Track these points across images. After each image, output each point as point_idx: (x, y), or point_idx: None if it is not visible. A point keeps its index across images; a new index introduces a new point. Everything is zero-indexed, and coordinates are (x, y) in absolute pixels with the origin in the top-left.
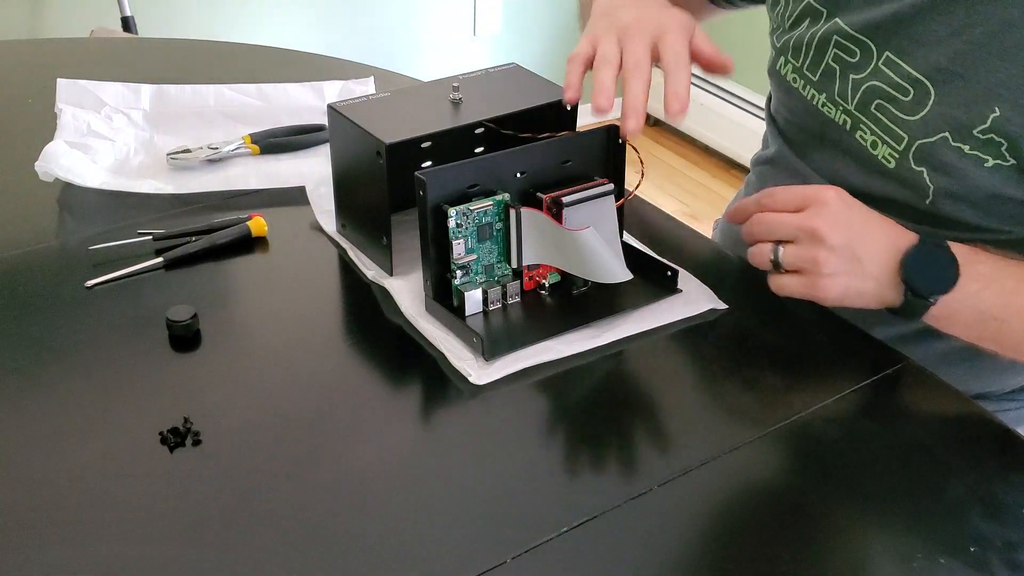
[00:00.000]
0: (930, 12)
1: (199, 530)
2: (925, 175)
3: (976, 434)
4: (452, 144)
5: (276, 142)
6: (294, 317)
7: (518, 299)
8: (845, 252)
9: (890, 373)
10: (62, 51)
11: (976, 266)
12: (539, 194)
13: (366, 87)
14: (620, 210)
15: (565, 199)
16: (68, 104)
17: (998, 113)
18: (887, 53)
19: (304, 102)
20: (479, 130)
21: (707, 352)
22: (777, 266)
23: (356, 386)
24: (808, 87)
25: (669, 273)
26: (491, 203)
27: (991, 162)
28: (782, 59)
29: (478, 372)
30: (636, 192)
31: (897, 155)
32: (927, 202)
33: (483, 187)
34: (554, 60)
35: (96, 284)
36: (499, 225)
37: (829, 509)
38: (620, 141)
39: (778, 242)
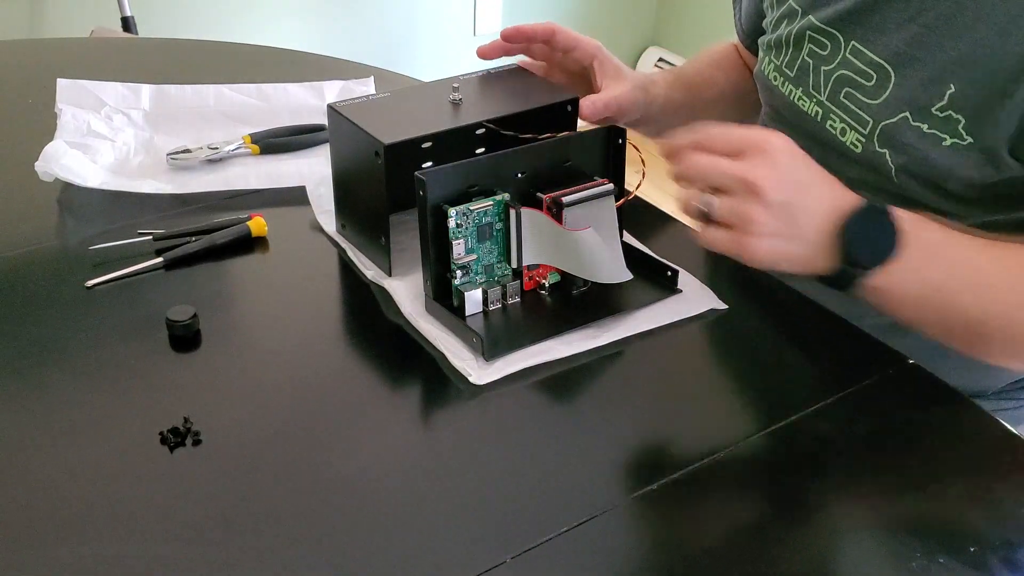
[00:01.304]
0: (889, 1)
1: (199, 530)
2: (888, 156)
3: (976, 434)
4: (452, 144)
5: (276, 142)
6: (294, 317)
7: (518, 299)
8: (783, 212)
9: (890, 373)
10: (62, 51)
11: (921, 234)
12: (539, 194)
13: (366, 87)
14: (620, 210)
15: (565, 199)
16: (68, 104)
17: (953, 90)
18: (853, 42)
19: (304, 102)
20: (479, 131)
21: (707, 352)
22: (706, 218)
23: (356, 386)
24: (787, 83)
25: (669, 273)
26: (491, 203)
27: (949, 141)
28: (765, 59)
29: (478, 372)
30: (636, 192)
31: (863, 139)
32: (895, 182)
33: (483, 187)
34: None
35: (96, 284)
36: (499, 225)
37: (828, 509)
38: (620, 141)
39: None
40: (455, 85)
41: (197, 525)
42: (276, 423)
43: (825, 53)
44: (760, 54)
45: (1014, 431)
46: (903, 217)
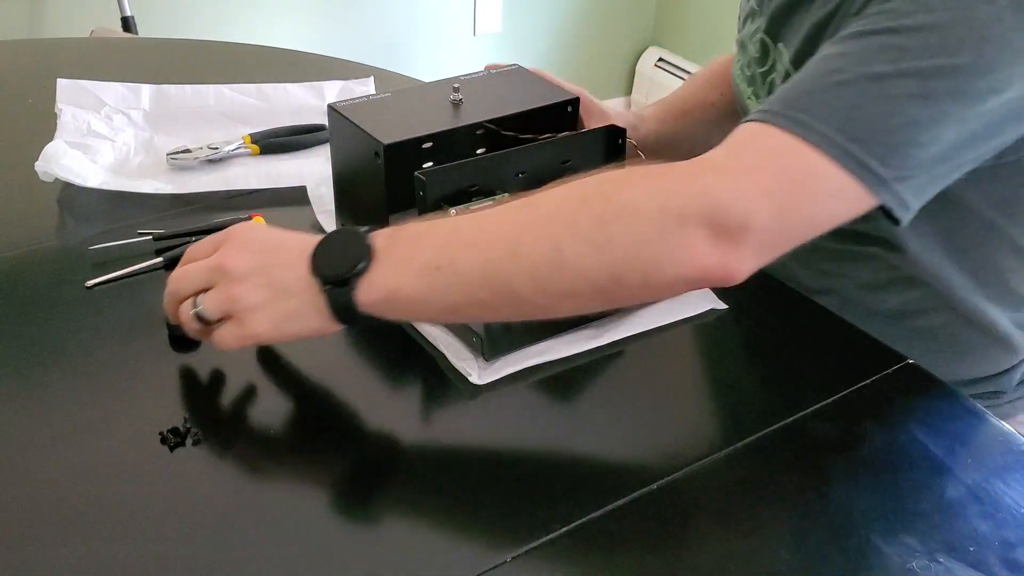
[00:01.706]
0: (797, 4)
1: (199, 530)
2: None
3: (976, 434)
4: (452, 144)
5: (276, 142)
6: None
7: None
8: (260, 277)
9: (890, 373)
10: (62, 51)
11: (400, 233)
12: None
13: (366, 87)
14: None
15: None
16: (68, 104)
17: None
18: (779, 44)
19: (304, 102)
20: (479, 131)
21: (707, 352)
22: (205, 320)
23: (356, 386)
24: (743, 83)
25: None
26: (491, 203)
27: None
28: (736, 59)
29: (478, 372)
30: None
31: None
32: None
33: (483, 187)
34: (554, 60)
35: (96, 284)
36: None
37: (829, 509)
38: (620, 141)
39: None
40: (455, 85)
41: (197, 525)
42: (276, 423)
43: (760, 55)
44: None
45: (1013, 430)
46: (380, 233)
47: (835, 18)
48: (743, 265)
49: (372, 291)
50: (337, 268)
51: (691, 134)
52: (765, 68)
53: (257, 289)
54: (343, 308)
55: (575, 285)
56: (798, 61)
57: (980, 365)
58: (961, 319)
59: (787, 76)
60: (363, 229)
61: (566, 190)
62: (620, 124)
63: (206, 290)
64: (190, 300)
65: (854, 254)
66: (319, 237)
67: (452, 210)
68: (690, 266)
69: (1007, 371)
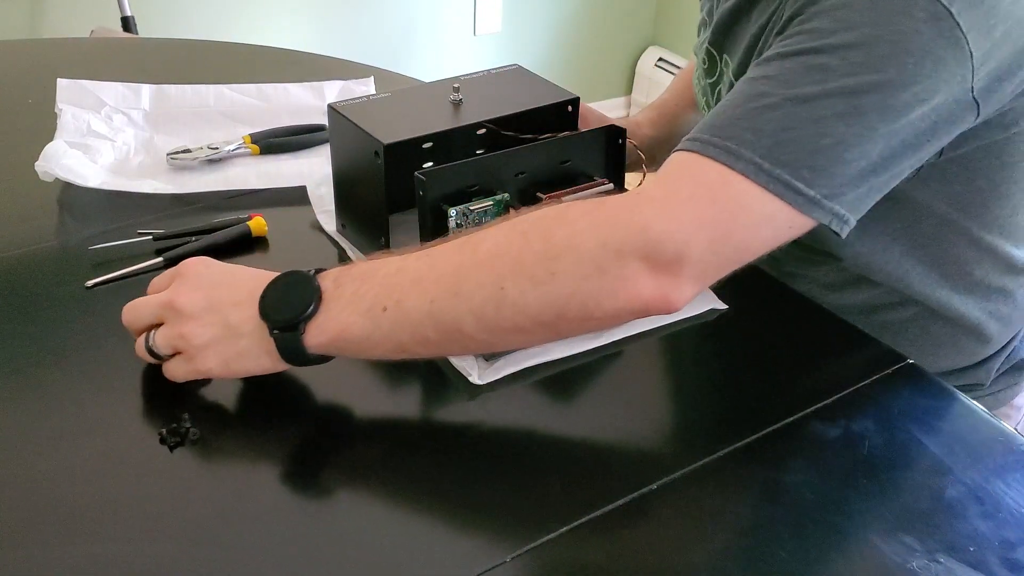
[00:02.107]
0: (738, 14)
1: (199, 530)
2: None
3: (976, 434)
4: (452, 144)
5: (276, 142)
6: None
7: None
8: (209, 316)
9: (890, 373)
10: (62, 51)
11: (346, 273)
12: (539, 194)
13: (366, 87)
14: None
15: (565, 199)
16: (68, 104)
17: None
18: (725, 56)
19: (304, 102)
20: (480, 131)
21: (707, 352)
22: (156, 355)
23: (356, 386)
24: (699, 93)
25: None
26: (491, 203)
27: None
28: (695, 70)
29: (478, 372)
30: None
31: None
32: None
33: (483, 187)
34: (555, 60)
35: (96, 284)
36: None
37: (828, 509)
38: (620, 141)
39: (152, 329)
40: (455, 85)
41: (197, 525)
42: (276, 423)
43: (707, 66)
44: None
45: (1013, 431)
46: (328, 275)
47: (764, 31)
48: (681, 295)
49: (320, 334)
50: (285, 313)
51: (683, 134)
52: (713, 79)
53: (207, 328)
54: (292, 351)
55: (518, 321)
56: (740, 73)
57: (954, 357)
58: (928, 312)
59: (731, 88)
60: (310, 271)
61: (509, 227)
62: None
63: (159, 324)
64: (144, 335)
65: (811, 259)
66: (270, 275)
67: (452, 210)
68: (629, 299)
69: (982, 362)
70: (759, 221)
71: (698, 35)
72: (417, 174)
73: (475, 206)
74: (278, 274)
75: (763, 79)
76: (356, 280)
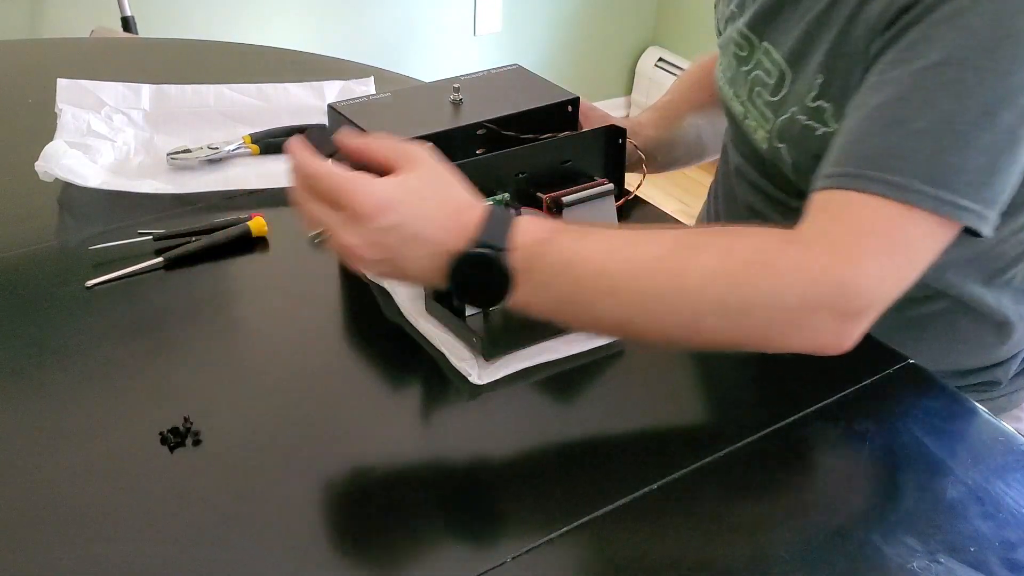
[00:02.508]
0: (788, 2)
1: (199, 530)
2: (783, 151)
3: (976, 434)
4: (452, 145)
5: (276, 142)
6: (294, 317)
7: None
8: (383, 265)
9: (890, 373)
10: (62, 51)
11: (541, 258)
12: (539, 194)
13: (366, 87)
14: (620, 210)
15: (565, 199)
16: (68, 104)
17: (821, 79)
18: (764, 43)
19: (304, 102)
20: (480, 131)
21: (707, 352)
22: (316, 243)
23: (356, 386)
24: (725, 85)
25: None
26: (491, 203)
27: (820, 130)
28: (718, 63)
29: (478, 372)
30: (636, 192)
31: (768, 135)
32: (794, 177)
33: (483, 187)
34: (555, 59)
35: (96, 284)
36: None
37: (829, 509)
38: (620, 141)
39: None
40: (455, 85)
41: (197, 525)
42: (276, 423)
43: (744, 54)
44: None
45: (1014, 431)
46: (521, 253)
47: (832, 15)
48: (857, 337)
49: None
50: (475, 301)
51: (684, 136)
52: (748, 66)
53: (380, 267)
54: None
55: (703, 346)
56: (794, 60)
57: (976, 355)
58: (959, 306)
59: (782, 75)
60: (502, 260)
61: (718, 260)
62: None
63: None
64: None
65: None
66: (451, 241)
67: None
68: (810, 345)
69: (1003, 362)
70: (932, 246)
71: (722, 29)
72: None
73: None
74: (466, 251)
75: (898, 101)
76: (554, 266)
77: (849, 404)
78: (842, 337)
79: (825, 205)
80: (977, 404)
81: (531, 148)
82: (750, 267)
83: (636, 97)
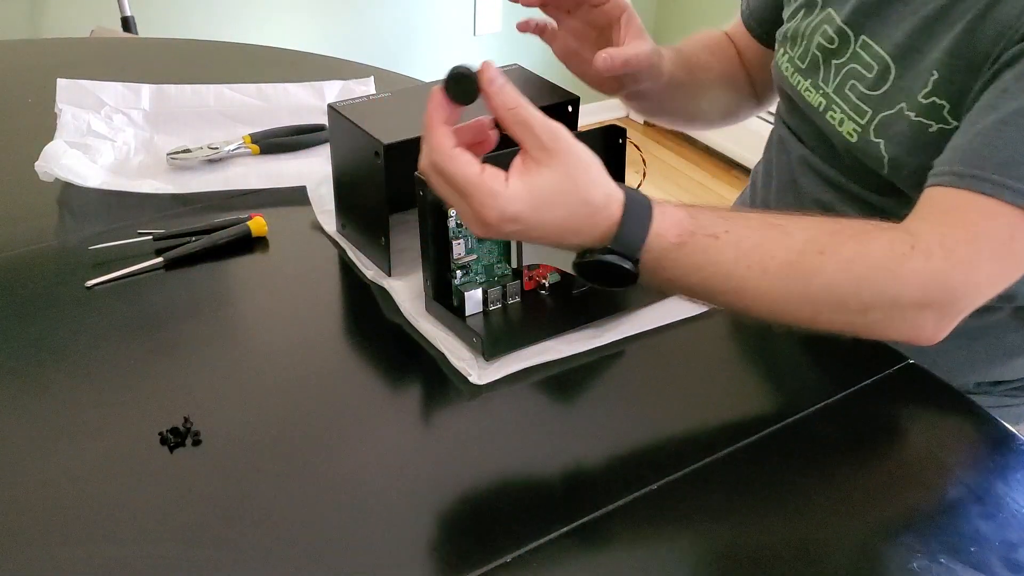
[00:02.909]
0: None
1: (199, 530)
2: (882, 146)
3: (976, 434)
4: None
5: (276, 142)
6: (294, 317)
7: (518, 299)
8: (519, 236)
9: (890, 373)
10: (62, 51)
11: (677, 254)
12: None
13: (366, 87)
14: None
15: None
16: (68, 104)
17: (936, 76)
18: (863, 36)
19: (304, 102)
20: None
21: (707, 352)
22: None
23: (356, 386)
24: (796, 74)
25: None
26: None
27: (935, 127)
28: (780, 51)
29: (478, 372)
30: None
31: (859, 129)
32: (884, 173)
33: None
34: (555, 60)
35: (96, 284)
36: None
37: (829, 509)
38: (620, 141)
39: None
40: None
41: (197, 525)
42: (276, 423)
43: (834, 47)
44: (776, 46)
45: (1014, 430)
46: (657, 246)
47: (953, 13)
48: (949, 331)
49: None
50: (601, 286)
51: (689, 91)
52: (841, 60)
53: (508, 238)
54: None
55: (808, 328)
56: (902, 55)
57: (1019, 369)
58: (1016, 318)
59: (885, 70)
60: (634, 258)
61: (845, 270)
62: (652, 48)
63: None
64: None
65: None
66: (586, 241)
67: (452, 210)
68: (909, 337)
69: None
70: None
71: (791, 17)
72: (417, 174)
73: None
74: (596, 256)
75: None
76: (680, 271)
77: (849, 404)
78: (940, 332)
79: (947, 205)
80: (974, 402)
81: None
82: (874, 273)
83: None
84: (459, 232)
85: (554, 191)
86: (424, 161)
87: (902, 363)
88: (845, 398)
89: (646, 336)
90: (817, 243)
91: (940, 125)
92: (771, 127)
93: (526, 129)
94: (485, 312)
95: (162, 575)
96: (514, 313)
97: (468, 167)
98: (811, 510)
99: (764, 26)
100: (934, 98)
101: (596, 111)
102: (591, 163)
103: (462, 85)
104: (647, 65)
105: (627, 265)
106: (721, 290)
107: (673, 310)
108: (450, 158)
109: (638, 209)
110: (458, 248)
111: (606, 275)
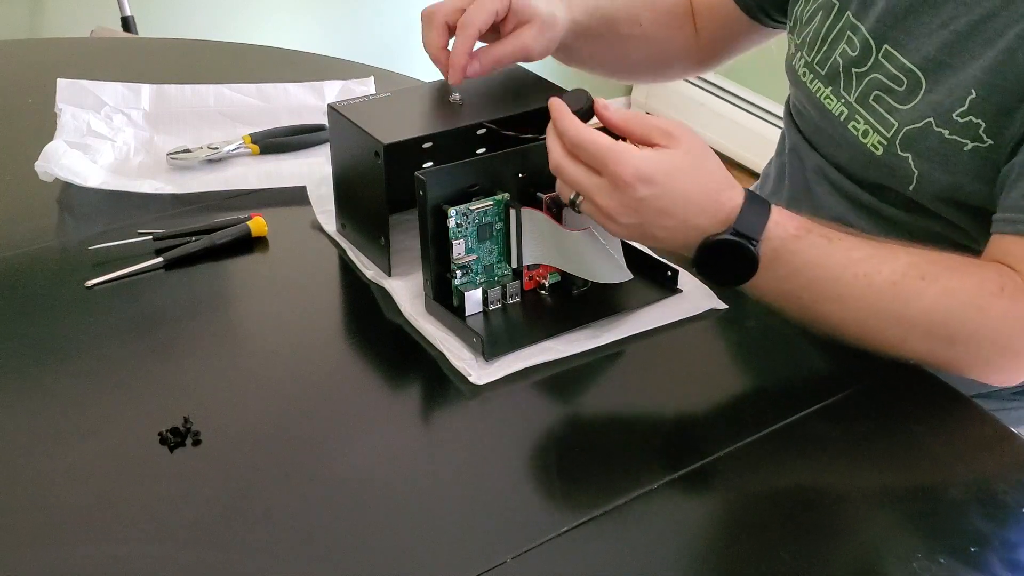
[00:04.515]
0: (922, 6)
1: (199, 530)
2: (910, 160)
3: (976, 434)
4: (452, 145)
5: (276, 142)
6: (294, 317)
7: (518, 299)
8: (635, 231)
9: (890, 373)
10: (62, 51)
11: (789, 254)
12: (539, 194)
13: (366, 87)
14: None
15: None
16: (68, 104)
17: (975, 95)
18: (886, 46)
19: (304, 102)
20: (480, 131)
21: (707, 352)
22: (574, 206)
23: (356, 386)
24: (816, 80)
25: (669, 273)
26: (491, 203)
27: (970, 145)
28: (798, 55)
29: (478, 372)
30: None
31: (885, 142)
32: (910, 188)
33: (483, 187)
34: (554, 60)
35: (96, 284)
36: (499, 225)
37: (829, 509)
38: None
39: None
40: None
41: (197, 525)
42: (276, 423)
43: (856, 55)
44: (790, 48)
45: (1014, 431)
46: (777, 235)
47: (990, 28)
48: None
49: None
50: (716, 280)
51: (607, 42)
52: (862, 68)
53: (631, 232)
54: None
55: (889, 353)
56: (932, 68)
57: None
58: None
59: (916, 83)
60: (753, 251)
61: (941, 300)
62: (539, 20)
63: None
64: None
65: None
66: (706, 223)
67: (452, 210)
68: (986, 375)
69: None
70: None
71: (810, 18)
72: (417, 174)
73: (475, 206)
74: (722, 237)
75: None
76: (792, 266)
77: (849, 404)
78: (1017, 376)
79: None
80: (974, 402)
81: (531, 148)
82: (966, 309)
83: (636, 97)
84: (459, 232)
85: (683, 165)
86: (555, 152)
87: (902, 363)
88: (845, 398)
89: (646, 336)
90: (919, 268)
91: (975, 144)
92: (769, 126)
93: (647, 123)
94: (485, 312)
95: (162, 575)
96: (514, 313)
97: (603, 136)
98: (810, 510)
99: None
100: (971, 117)
101: None
102: (710, 151)
103: (584, 102)
104: (531, 43)
105: (751, 246)
106: (826, 296)
107: (673, 310)
108: (587, 130)
109: (757, 198)
110: (458, 248)
111: (729, 260)
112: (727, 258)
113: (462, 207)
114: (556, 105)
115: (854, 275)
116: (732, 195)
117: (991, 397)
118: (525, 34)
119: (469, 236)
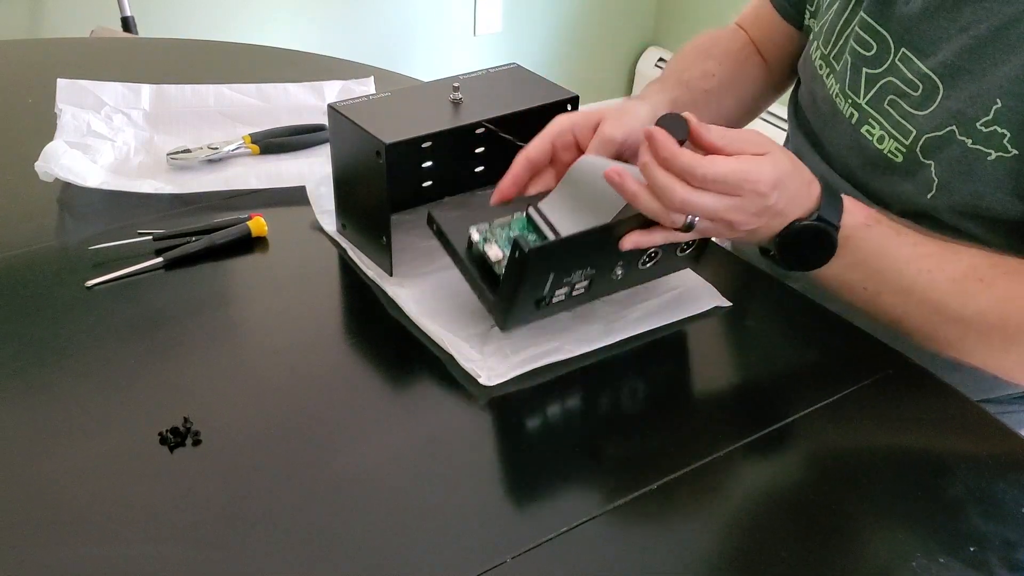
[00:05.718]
0: (939, 10)
1: (199, 530)
2: (932, 169)
3: (976, 434)
4: (452, 144)
5: (276, 142)
6: (294, 317)
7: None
8: (742, 230)
9: (890, 373)
10: (62, 51)
11: (859, 243)
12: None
13: (366, 87)
14: None
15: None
16: (68, 104)
17: (1000, 105)
18: (903, 49)
19: (304, 102)
20: (479, 131)
21: (708, 351)
22: (689, 228)
23: (356, 386)
24: (830, 76)
25: (685, 246)
26: (510, 218)
27: (994, 155)
28: (813, 45)
29: (487, 373)
30: None
31: (905, 149)
32: (929, 196)
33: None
34: (555, 59)
35: (96, 284)
36: (533, 237)
37: (829, 509)
38: None
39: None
40: (455, 85)
41: (197, 525)
42: (276, 423)
43: (870, 55)
44: (810, 37)
45: (1013, 430)
46: (849, 223)
47: (1013, 34)
48: None
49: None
50: (791, 266)
51: (695, 103)
52: (877, 71)
53: (739, 234)
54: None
55: (936, 349)
56: (951, 74)
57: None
58: None
59: (933, 89)
60: (832, 237)
61: (999, 305)
62: (608, 129)
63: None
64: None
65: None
66: (798, 213)
67: (473, 230)
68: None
69: None
70: None
71: (826, 10)
72: (430, 211)
73: (497, 221)
74: (805, 222)
75: None
76: (862, 253)
77: (849, 404)
78: None
79: None
80: (974, 402)
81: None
82: (1021, 314)
83: None
84: (487, 237)
85: (787, 167)
86: (677, 192)
87: (902, 363)
88: (845, 398)
89: (648, 336)
90: (979, 270)
91: (999, 153)
92: (771, 127)
93: (739, 138)
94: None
95: (162, 575)
96: (529, 291)
97: (728, 163)
98: (810, 510)
99: (796, 5)
100: (995, 127)
101: None
102: (790, 152)
103: (679, 124)
104: (606, 142)
105: (833, 230)
106: (890, 287)
107: (680, 308)
108: (709, 161)
109: (829, 187)
110: (492, 252)
111: (811, 245)
112: (809, 243)
113: (483, 225)
114: (663, 141)
115: (918, 270)
116: (815, 185)
117: (991, 402)
118: (602, 126)
119: (495, 238)
